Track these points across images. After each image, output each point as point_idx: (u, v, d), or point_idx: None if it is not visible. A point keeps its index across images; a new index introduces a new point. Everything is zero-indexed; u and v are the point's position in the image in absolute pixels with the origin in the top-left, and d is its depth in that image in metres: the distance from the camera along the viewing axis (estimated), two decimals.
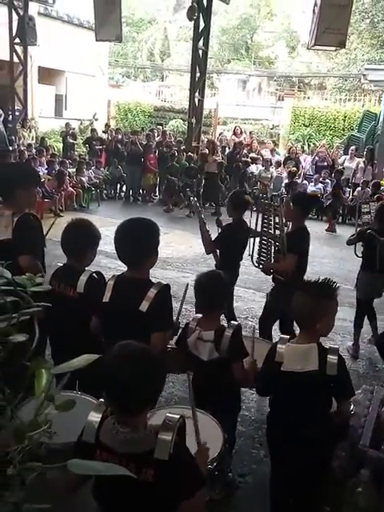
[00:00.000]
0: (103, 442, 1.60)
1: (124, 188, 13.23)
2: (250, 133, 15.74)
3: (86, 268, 2.92)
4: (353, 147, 13.05)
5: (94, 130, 14.78)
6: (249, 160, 12.46)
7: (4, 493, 0.91)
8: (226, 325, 2.70)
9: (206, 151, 12.38)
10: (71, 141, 14.34)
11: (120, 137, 14.10)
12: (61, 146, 14.85)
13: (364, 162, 12.20)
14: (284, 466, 2.49)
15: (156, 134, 14.72)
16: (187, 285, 3.09)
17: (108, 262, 6.48)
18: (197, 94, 12.96)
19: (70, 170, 11.68)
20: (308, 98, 21.09)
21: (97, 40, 13.60)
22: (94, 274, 2.85)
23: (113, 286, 2.60)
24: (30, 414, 1.01)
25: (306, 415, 2.33)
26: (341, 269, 7.42)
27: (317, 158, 13.33)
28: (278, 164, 13.16)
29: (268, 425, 2.60)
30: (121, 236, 2.57)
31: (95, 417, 1.64)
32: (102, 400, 1.70)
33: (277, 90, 24.91)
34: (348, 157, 12.66)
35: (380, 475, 2.55)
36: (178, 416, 1.63)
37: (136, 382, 1.52)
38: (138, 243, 2.54)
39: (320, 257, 7.91)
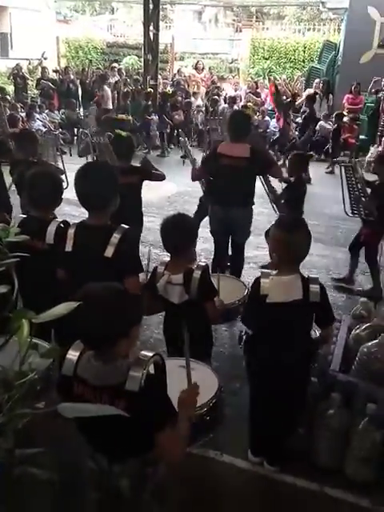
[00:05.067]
0: (80, 375, 1.69)
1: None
2: (210, 68, 15.26)
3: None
4: (317, 80, 12.81)
5: (44, 70, 13.99)
6: (216, 98, 12.03)
7: None
8: (193, 267, 2.70)
9: (169, 90, 11.99)
10: (21, 82, 13.56)
11: (72, 76, 13.43)
12: (8, 88, 14.02)
13: (319, 95, 12.00)
14: (265, 392, 2.62)
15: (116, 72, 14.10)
16: (150, 250, 3.43)
17: (71, 210, 6.31)
18: (151, 27, 12.35)
19: (21, 114, 11.12)
20: (267, 28, 20.38)
21: None
22: (61, 224, 2.78)
23: (74, 234, 2.56)
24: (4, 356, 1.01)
25: (290, 343, 2.45)
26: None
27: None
28: (239, 100, 12.88)
29: (250, 354, 2.69)
30: (80, 180, 2.53)
31: (73, 354, 1.72)
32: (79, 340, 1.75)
33: (234, 20, 23.94)
34: (312, 90, 12.43)
35: (349, 397, 2.71)
36: (153, 353, 1.70)
37: (98, 319, 1.57)
38: (98, 186, 2.50)
39: None
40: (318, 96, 11.80)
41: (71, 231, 2.58)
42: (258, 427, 2.77)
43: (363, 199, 4.70)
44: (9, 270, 0.91)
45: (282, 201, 5.00)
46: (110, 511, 1.92)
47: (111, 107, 12.24)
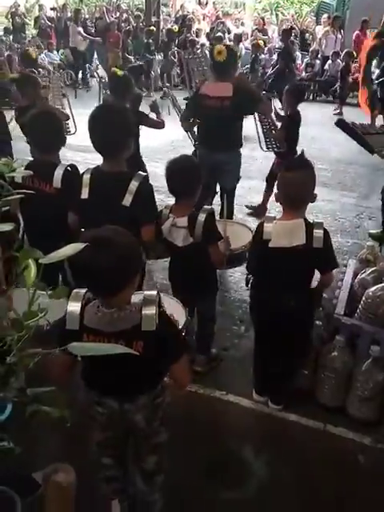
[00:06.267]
0: (89, 326, 1.66)
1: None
2: (214, 3, 14.53)
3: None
4: (325, 15, 12.19)
5: (41, 8, 13.38)
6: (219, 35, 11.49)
7: (9, 380, 0.93)
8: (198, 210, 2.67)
9: (175, 27, 11.44)
10: (20, 21, 13.00)
11: (69, 14, 12.84)
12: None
13: (332, 30, 11.46)
14: (269, 336, 2.66)
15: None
16: None
17: (74, 155, 6.23)
18: None
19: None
20: None
21: None
22: (68, 168, 2.73)
23: (89, 180, 2.50)
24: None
25: (292, 287, 2.46)
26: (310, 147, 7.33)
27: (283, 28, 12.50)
28: (246, 37, 12.33)
29: (253, 298, 2.71)
30: (93, 124, 2.44)
31: (75, 306, 1.67)
32: (76, 290, 1.72)
33: None
34: (322, 27, 11.87)
35: (353, 340, 2.75)
36: (155, 292, 1.71)
37: (109, 264, 1.54)
38: (111, 130, 2.41)
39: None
40: (331, 32, 11.29)
41: (87, 177, 2.50)
42: (262, 367, 2.83)
43: (273, 132, 4.85)
44: (14, 209, 0.89)
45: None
46: (116, 448, 1.99)
47: (82, 49, 11.77)
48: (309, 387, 2.87)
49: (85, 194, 2.49)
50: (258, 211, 5.19)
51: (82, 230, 2.58)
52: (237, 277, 4.14)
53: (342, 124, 4.30)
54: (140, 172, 2.49)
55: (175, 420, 2.00)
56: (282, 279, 2.45)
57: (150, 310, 1.64)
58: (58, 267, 2.48)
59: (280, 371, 2.72)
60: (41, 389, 1.09)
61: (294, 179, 2.37)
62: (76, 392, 1.90)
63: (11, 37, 12.61)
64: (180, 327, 2.15)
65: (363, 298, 2.81)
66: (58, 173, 2.66)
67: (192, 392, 2.82)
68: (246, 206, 5.34)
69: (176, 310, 2.30)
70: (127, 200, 2.39)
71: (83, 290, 1.71)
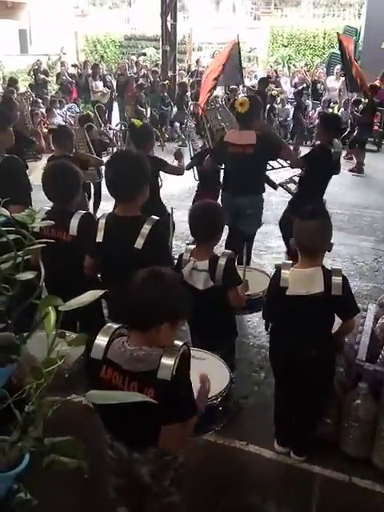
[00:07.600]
0: (110, 358, 1.69)
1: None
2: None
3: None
4: (338, 66, 12.54)
5: (63, 65, 14.08)
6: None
7: (27, 429, 0.92)
8: (218, 254, 2.70)
9: (187, 80, 11.93)
10: (43, 77, 13.66)
11: (90, 71, 13.47)
12: (24, 83, 14.12)
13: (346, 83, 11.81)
14: (288, 384, 2.59)
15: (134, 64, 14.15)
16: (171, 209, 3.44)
17: (91, 203, 6.36)
18: (169, 18, 12.28)
19: (41, 109, 11.19)
20: (285, 16, 20.12)
21: None
22: (84, 216, 2.80)
23: (105, 224, 2.57)
24: (33, 348, 1.02)
25: (311, 335, 2.41)
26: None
27: (296, 80, 12.91)
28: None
29: (272, 346, 2.67)
30: (108, 170, 2.54)
31: (102, 340, 1.74)
32: (108, 324, 1.80)
33: (252, 9, 23.66)
34: (333, 77, 12.23)
35: (376, 387, 2.67)
36: (182, 343, 1.69)
37: (157, 292, 1.62)
38: (127, 177, 2.49)
39: None
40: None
41: (102, 221, 2.59)
42: (283, 416, 2.75)
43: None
44: (35, 257, 0.91)
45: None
46: (131, 497, 1.92)
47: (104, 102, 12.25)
48: (332, 437, 2.77)
49: (100, 238, 2.57)
50: None
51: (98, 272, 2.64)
52: (255, 322, 4.10)
53: None
54: (153, 216, 2.54)
55: (194, 471, 1.94)
56: (300, 326, 2.41)
57: (170, 360, 1.61)
58: (76, 314, 2.50)
59: (301, 420, 2.64)
60: (58, 438, 1.08)
61: (309, 228, 2.38)
62: (91, 441, 1.87)
63: (34, 93, 13.22)
64: (223, 388, 2.15)
65: None
66: (74, 221, 2.74)
67: (211, 442, 2.75)
68: None
69: (219, 371, 2.28)
70: (139, 243, 2.44)
71: (115, 325, 1.78)
